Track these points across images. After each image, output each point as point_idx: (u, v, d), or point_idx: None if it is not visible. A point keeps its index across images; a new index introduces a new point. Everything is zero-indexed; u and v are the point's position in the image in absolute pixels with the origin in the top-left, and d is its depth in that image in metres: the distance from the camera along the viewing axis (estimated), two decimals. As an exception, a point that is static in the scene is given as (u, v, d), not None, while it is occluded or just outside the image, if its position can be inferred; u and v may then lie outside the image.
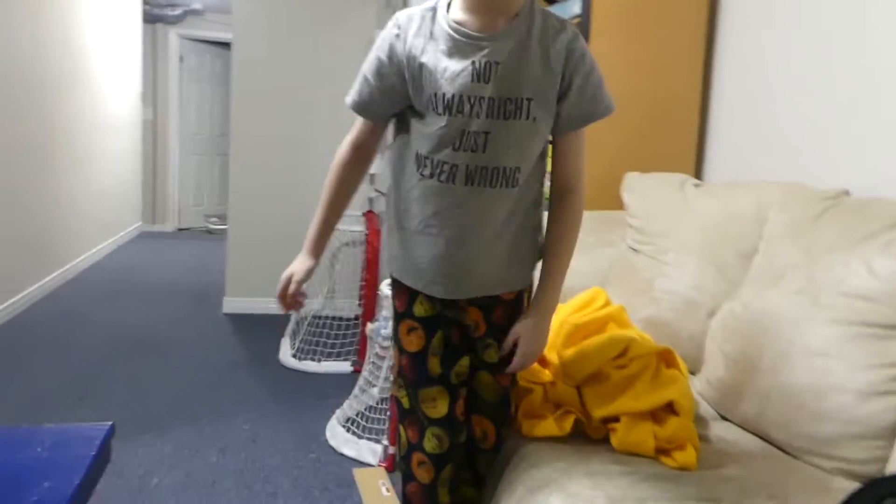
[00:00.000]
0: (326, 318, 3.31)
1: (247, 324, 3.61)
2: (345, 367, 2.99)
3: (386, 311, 2.29)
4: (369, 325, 2.44)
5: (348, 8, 3.68)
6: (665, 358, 1.40)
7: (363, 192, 3.82)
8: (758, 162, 2.11)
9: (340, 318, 3.33)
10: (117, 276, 4.57)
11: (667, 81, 2.31)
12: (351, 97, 1.23)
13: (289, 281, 1.27)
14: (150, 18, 6.47)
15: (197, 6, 6.62)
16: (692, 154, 2.33)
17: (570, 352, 1.38)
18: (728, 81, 2.28)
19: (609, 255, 2.07)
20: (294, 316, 3.36)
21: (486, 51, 1.10)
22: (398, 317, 1.30)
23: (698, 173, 2.34)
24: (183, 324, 3.56)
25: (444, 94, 1.11)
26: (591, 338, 1.41)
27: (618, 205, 2.16)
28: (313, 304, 3.52)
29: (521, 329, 1.21)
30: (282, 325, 3.47)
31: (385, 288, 2.24)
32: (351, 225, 3.40)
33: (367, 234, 3.09)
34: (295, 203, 3.76)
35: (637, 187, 2.06)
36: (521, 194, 1.17)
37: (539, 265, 1.28)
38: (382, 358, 2.36)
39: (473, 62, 1.10)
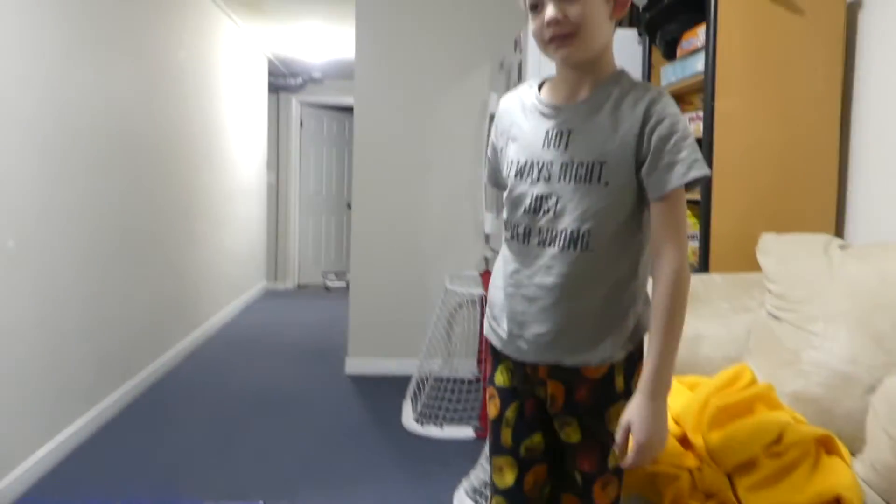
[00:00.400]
0: (446, 380, 3.33)
1: (369, 385, 3.69)
2: (467, 432, 2.98)
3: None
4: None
5: (463, 71, 3.79)
6: (825, 444, 1.30)
7: (479, 251, 3.86)
8: (911, 219, 1.96)
9: (460, 381, 3.35)
10: (247, 335, 4.83)
11: (800, 134, 2.21)
12: (484, 176, 1.42)
13: None
14: (274, 88, 6.95)
15: (316, 75, 7.05)
16: (832, 211, 2.19)
17: (717, 436, 1.31)
18: (870, 130, 2.14)
19: (746, 321, 1.96)
20: (414, 377, 3.41)
21: (560, 119, 1.18)
22: (487, 382, 1.34)
23: (839, 232, 2.19)
24: (308, 384, 3.69)
25: (517, 161, 1.22)
26: (740, 420, 1.33)
27: (751, 265, 2.06)
28: (433, 366, 3.55)
29: (631, 414, 1.11)
30: (403, 386, 3.53)
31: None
32: (467, 285, 3.43)
33: (483, 295, 3.10)
34: (414, 264, 3.85)
35: (775, 249, 1.96)
36: (604, 262, 1.16)
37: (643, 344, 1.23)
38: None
39: (547, 130, 1.19)
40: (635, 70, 2.85)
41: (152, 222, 3.58)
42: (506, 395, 1.27)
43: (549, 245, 1.17)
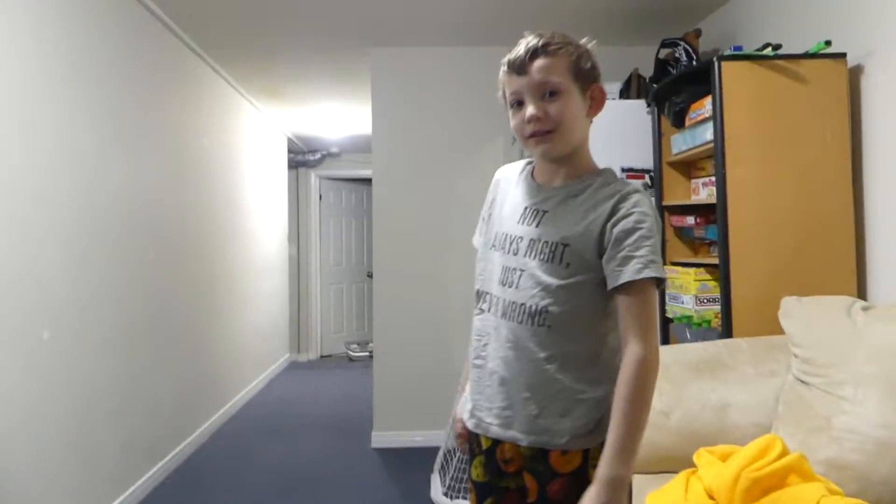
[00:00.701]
0: (474, 450, 3.30)
1: (396, 458, 3.66)
2: None
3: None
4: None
5: (477, 144, 3.89)
6: (863, 516, 1.28)
7: (501, 319, 3.88)
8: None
9: (488, 450, 3.31)
10: (272, 410, 4.83)
11: (814, 197, 2.25)
12: (475, 238, 1.44)
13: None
14: (293, 164, 7.14)
15: (334, 149, 7.26)
16: (852, 271, 2.21)
17: (752, 511, 1.30)
18: (882, 190, 2.18)
19: (774, 386, 1.96)
20: (442, 450, 3.38)
21: (539, 199, 1.26)
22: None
23: (862, 292, 2.20)
24: (335, 460, 3.66)
25: (496, 233, 1.30)
26: (774, 494, 1.32)
27: (774, 328, 2.07)
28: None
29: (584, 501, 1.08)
30: (430, 458, 3.49)
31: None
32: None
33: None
34: (437, 333, 3.87)
35: (797, 313, 1.97)
36: (562, 340, 1.18)
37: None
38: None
39: (526, 207, 1.26)
40: (645, 138, 2.92)
41: (179, 303, 3.65)
42: (482, 491, 1.29)
43: (510, 319, 1.21)
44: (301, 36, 3.70)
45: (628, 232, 1.14)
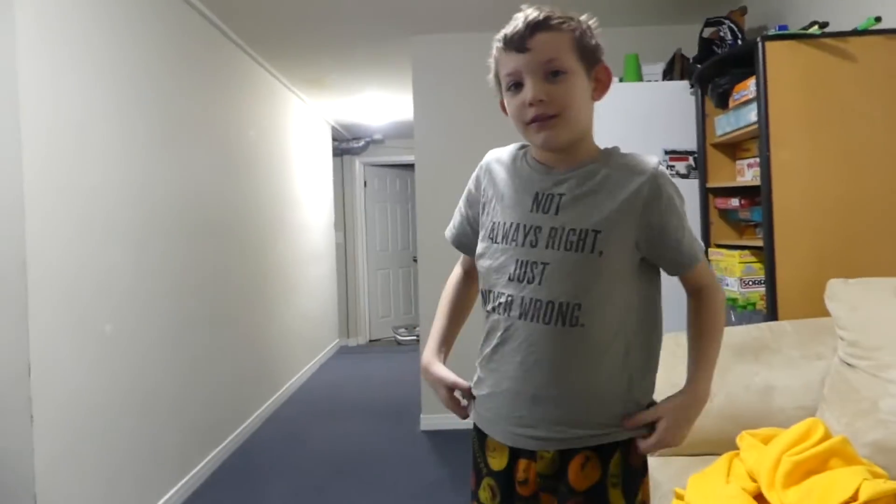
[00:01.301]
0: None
1: (444, 440, 3.75)
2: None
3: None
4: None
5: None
6: (906, 498, 1.28)
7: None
8: None
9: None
10: (323, 395, 4.97)
11: (863, 179, 2.20)
12: (448, 230, 1.32)
13: (450, 393, 1.25)
14: (338, 152, 7.26)
15: (377, 136, 7.34)
16: (902, 254, 2.16)
17: (793, 493, 1.31)
18: (934, 171, 2.12)
19: (820, 369, 1.94)
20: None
21: (551, 182, 1.12)
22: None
23: (913, 273, 2.16)
24: (385, 443, 3.77)
25: (502, 223, 1.14)
26: (816, 477, 1.34)
27: (820, 311, 2.04)
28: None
29: (665, 409, 1.11)
30: (477, 440, 3.57)
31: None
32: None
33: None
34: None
35: (843, 296, 1.94)
36: (594, 340, 1.07)
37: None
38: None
39: (537, 193, 1.12)
40: (689, 120, 2.90)
41: (232, 293, 3.79)
42: None
43: (533, 319, 1.08)
44: (343, 26, 3.76)
45: (671, 214, 1.08)
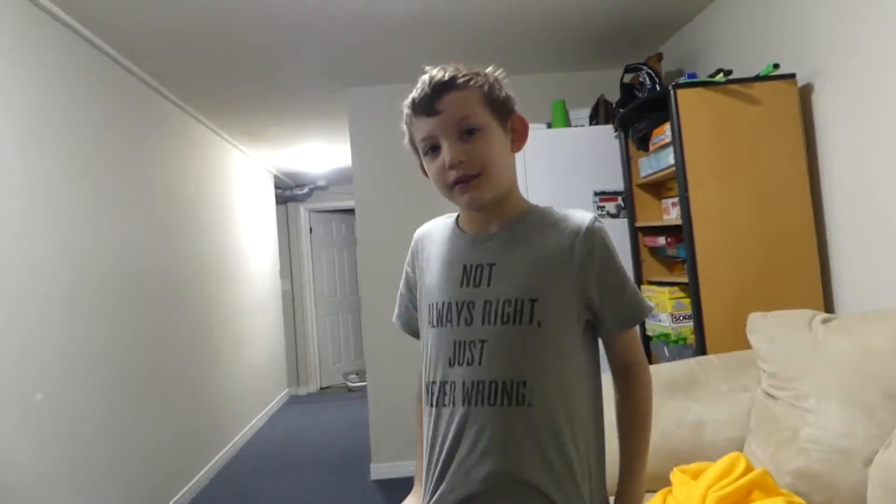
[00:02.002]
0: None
1: (395, 490, 3.71)
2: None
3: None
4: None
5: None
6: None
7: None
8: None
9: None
10: (273, 448, 4.87)
11: (776, 214, 2.34)
12: (395, 317, 1.24)
13: None
14: (282, 200, 7.24)
15: (321, 182, 7.36)
16: (817, 286, 2.29)
17: (718, 528, 1.36)
18: (840, 202, 2.26)
19: (746, 401, 2.03)
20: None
21: (479, 251, 1.06)
22: None
23: (829, 304, 2.28)
24: (337, 496, 3.71)
25: (436, 304, 1.06)
26: (739, 511, 1.39)
27: (745, 345, 2.14)
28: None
29: None
30: (428, 486, 3.54)
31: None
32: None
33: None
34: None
35: (762, 329, 2.04)
36: (542, 418, 0.99)
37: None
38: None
39: (465, 266, 1.06)
40: (616, 162, 3.02)
41: (176, 351, 3.71)
42: None
43: (476, 403, 0.99)
44: (279, 81, 3.80)
45: (610, 270, 1.03)
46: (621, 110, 3.00)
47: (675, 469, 1.76)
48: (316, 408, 6.37)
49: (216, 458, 4.29)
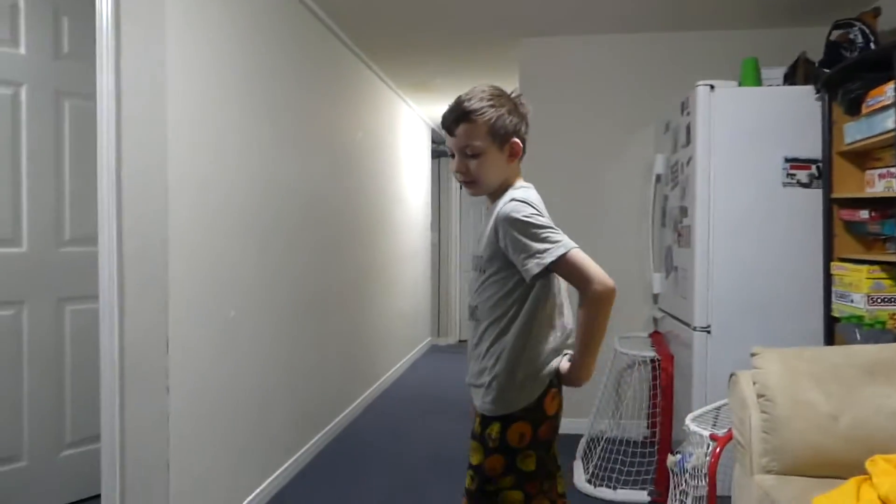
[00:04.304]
0: (617, 441, 3.31)
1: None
2: (641, 496, 2.93)
3: (692, 446, 2.25)
4: (670, 458, 2.40)
5: (627, 132, 3.85)
6: None
7: (646, 312, 3.83)
8: None
9: (632, 442, 3.31)
10: (418, 392, 5.06)
11: None
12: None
13: None
14: (436, 154, 7.36)
15: (475, 139, 7.40)
16: None
17: None
18: None
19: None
20: (585, 437, 3.42)
21: (481, 223, 1.59)
22: None
23: None
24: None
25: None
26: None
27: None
28: (600, 426, 3.54)
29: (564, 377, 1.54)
30: (570, 445, 3.54)
31: (692, 424, 2.21)
32: (637, 347, 3.42)
33: (659, 360, 3.07)
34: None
35: None
36: (483, 329, 1.53)
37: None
38: (686, 493, 2.29)
39: (479, 232, 1.59)
40: (813, 127, 2.77)
41: (337, 287, 3.93)
42: None
43: (469, 316, 1.60)
44: (452, 30, 3.82)
45: (510, 239, 1.42)
46: (826, 70, 2.74)
47: (875, 457, 1.63)
48: (455, 358, 6.53)
49: (367, 392, 4.53)
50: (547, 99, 3.93)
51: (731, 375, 2.10)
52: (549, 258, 1.39)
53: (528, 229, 1.40)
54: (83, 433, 2.76)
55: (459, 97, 1.50)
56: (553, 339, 1.51)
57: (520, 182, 1.55)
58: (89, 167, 2.65)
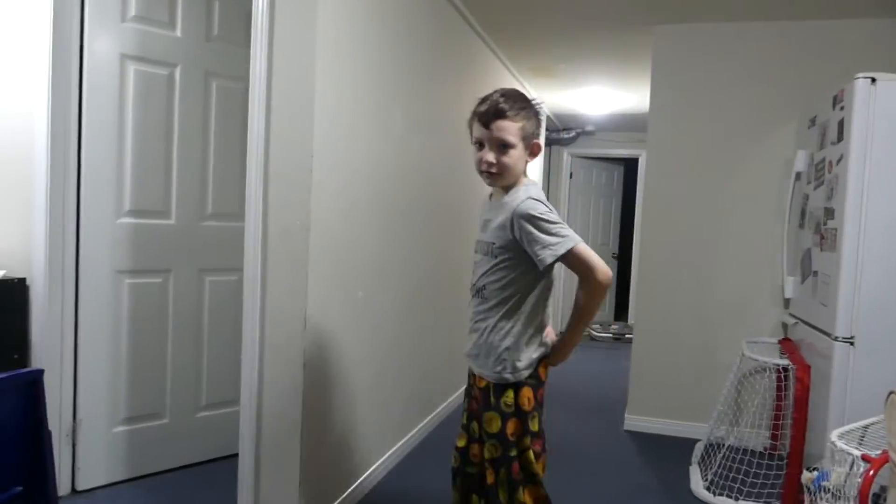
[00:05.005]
0: (738, 449, 3.17)
1: (649, 444, 3.64)
2: (766, 509, 2.79)
3: (835, 463, 2.11)
4: (806, 474, 2.26)
5: (766, 126, 3.64)
6: None
7: (775, 316, 3.63)
8: None
9: (753, 452, 3.16)
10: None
11: None
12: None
13: None
14: (547, 142, 7.26)
15: (590, 128, 7.25)
16: None
17: None
18: None
19: None
20: (703, 442, 3.29)
21: (487, 211, 1.82)
22: None
23: None
24: (591, 437, 3.74)
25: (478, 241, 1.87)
26: None
27: None
28: (719, 432, 3.40)
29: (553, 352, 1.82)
30: (686, 449, 3.42)
31: (839, 441, 2.07)
32: (766, 353, 3.25)
33: (793, 368, 2.90)
34: (702, 325, 3.74)
35: None
36: (490, 307, 1.74)
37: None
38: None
39: (484, 219, 1.82)
40: None
41: (447, 274, 3.95)
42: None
43: (475, 295, 1.80)
44: (582, 15, 3.72)
45: (524, 231, 1.64)
46: None
47: None
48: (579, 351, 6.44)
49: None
50: (678, 89, 3.78)
51: (890, 394, 1.94)
52: (561, 250, 1.63)
53: (542, 225, 1.63)
54: (217, 397, 2.93)
55: (499, 93, 1.71)
56: (546, 317, 1.80)
57: (527, 179, 1.76)
58: (230, 146, 2.78)
